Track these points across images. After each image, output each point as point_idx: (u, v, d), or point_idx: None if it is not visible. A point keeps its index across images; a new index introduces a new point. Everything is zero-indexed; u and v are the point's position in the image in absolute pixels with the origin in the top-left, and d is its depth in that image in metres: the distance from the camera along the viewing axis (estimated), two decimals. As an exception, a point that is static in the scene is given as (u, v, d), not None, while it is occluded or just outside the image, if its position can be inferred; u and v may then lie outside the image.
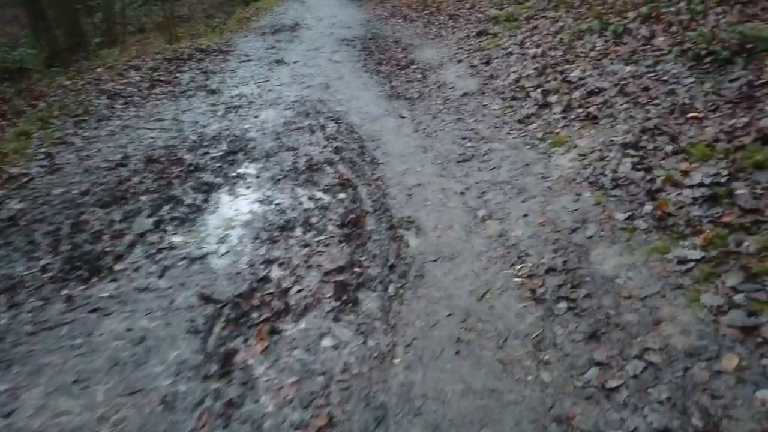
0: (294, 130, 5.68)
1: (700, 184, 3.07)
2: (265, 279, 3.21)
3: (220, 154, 5.22)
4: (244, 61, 8.83)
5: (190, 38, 17.59)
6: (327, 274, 3.19)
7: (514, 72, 6.08)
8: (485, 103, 5.63)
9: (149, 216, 4.15)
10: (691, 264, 2.54)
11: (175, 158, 5.18)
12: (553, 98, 5.07)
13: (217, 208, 4.23)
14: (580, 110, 4.62)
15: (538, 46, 6.49)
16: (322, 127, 5.69)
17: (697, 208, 2.90)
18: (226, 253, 3.57)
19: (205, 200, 4.34)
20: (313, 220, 3.90)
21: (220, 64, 8.66)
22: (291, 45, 10.16)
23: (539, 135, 4.55)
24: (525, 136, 4.64)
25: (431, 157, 4.69)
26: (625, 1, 7.27)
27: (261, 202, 4.27)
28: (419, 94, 6.38)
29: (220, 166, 4.95)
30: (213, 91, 7.10)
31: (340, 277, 3.13)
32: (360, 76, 7.49)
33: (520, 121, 4.94)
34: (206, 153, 5.27)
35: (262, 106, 6.49)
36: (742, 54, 4.34)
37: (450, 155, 4.64)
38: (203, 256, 3.55)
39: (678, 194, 3.07)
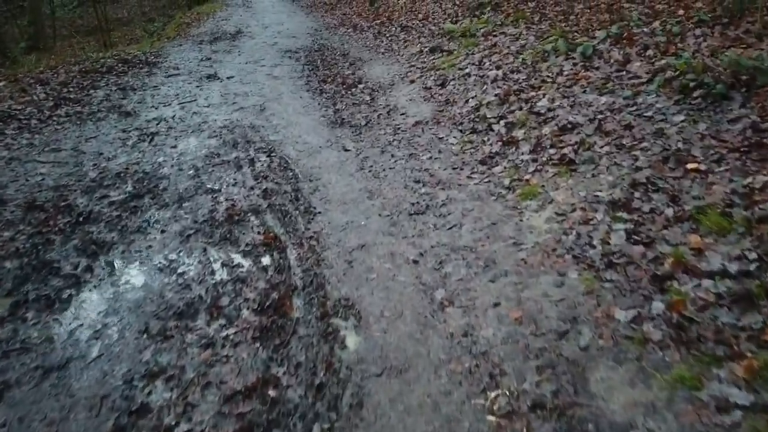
0: (217, 166, 4.72)
1: (723, 273, 2.31)
2: (142, 409, 2.27)
3: (121, 198, 4.22)
4: (171, 76, 7.76)
5: (127, 43, 16.29)
6: (229, 399, 2.28)
7: (472, 97, 5.30)
8: (441, 136, 4.81)
9: (8, 294, 3.13)
10: (738, 414, 1.76)
11: (63, 204, 4.14)
12: (519, 133, 4.29)
13: (102, 280, 3.24)
14: (552, 151, 3.86)
15: (498, 68, 5.73)
16: (251, 162, 4.75)
17: (725, 313, 2.14)
18: (97, 357, 2.60)
19: (89, 268, 3.35)
20: (224, 300, 2.97)
21: (143, 79, 7.56)
22: (228, 56, 9.14)
23: (506, 182, 3.75)
24: (489, 182, 3.84)
25: (378, 205, 3.83)
26: (589, 19, 6.63)
27: (161, 270, 3.31)
28: (366, 121, 5.51)
29: (118, 216, 3.95)
30: (127, 114, 6.03)
31: (247, 408, 2.22)
32: (301, 96, 6.57)
33: (482, 162, 4.14)
34: (105, 197, 4.25)
35: (183, 132, 5.49)
36: (739, 88, 3.66)
37: (401, 204, 3.79)
38: (64, 365, 2.57)
39: (695, 286, 2.30)
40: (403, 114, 5.55)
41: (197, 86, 7.09)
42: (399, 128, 5.20)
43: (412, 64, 7.29)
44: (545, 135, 4.08)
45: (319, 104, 6.21)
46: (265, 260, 3.34)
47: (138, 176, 4.58)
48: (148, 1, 24.43)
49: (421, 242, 3.30)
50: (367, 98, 6.25)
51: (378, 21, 11.79)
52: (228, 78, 7.50)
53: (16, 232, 3.78)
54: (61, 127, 5.68)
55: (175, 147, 5.14)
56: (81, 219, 3.93)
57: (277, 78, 7.48)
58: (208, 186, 4.36)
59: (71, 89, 6.94)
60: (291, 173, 4.51)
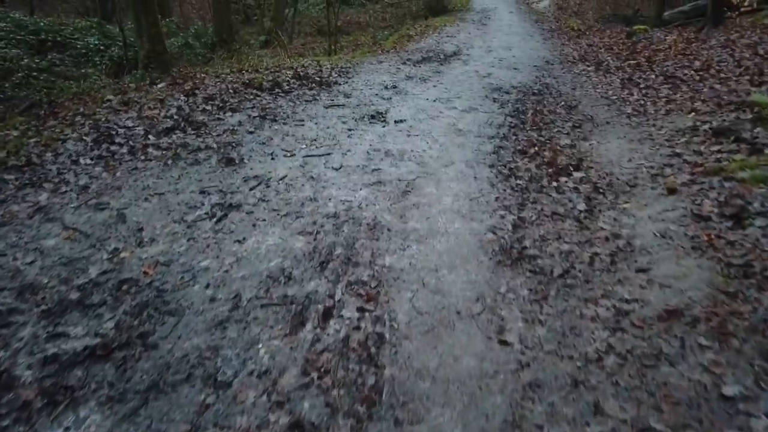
0: (270, 307, 2.59)
1: None
2: None
3: (76, 348, 2.33)
4: (332, 107, 5.91)
5: (352, 48, 15.47)
6: None
7: (819, 287, 2.30)
8: (731, 392, 1.97)
9: None
10: None
11: (-10, 337, 2.39)
12: None
13: None
14: None
15: None
16: (326, 316, 2.52)
17: None
18: None
19: None
20: None
21: (296, 107, 5.83)
22: (419, 87, 7.04)
23: None
24: None
25: None
26: None
27: None
28: (565, 269, 2.86)
29: (20, 412, 2.03)
30: (229, 161, 4.24)
31: None
32: (477, 175, 4.12)
33: None
34: (61, 336, 2.40)
35: (273, 215, 3.47)
36: None
37: None
38: None
39: None
40: (642, 271, 2.77)
41: (349, 130, 5.08)
42: (627, 312, 2.46)
43: (676, 150, 4.31)
44: None
45: (496, 200, 3.69)
46: None
47: (145, 295, 2.66)
48: (392, 8, 23.88)
49: None
50: (581, 208, 3.54)
51: (632, 62, 8.64)
52: (396, 122, 5.37)
53: None
54: (142, 168, 4.11)
55: (240, 242, 3.13)
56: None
57: (459, 133, 5.12)
58: (221, 362, 2.24)
59: (208, 108, 5.48)
60: (374, 377, 2.16)
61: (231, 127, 4.99)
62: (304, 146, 4.59)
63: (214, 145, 4.54)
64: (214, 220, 3.36)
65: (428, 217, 3.45)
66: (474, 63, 9.32)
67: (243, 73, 7.11)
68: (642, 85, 6.91)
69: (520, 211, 3.52)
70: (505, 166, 4.29)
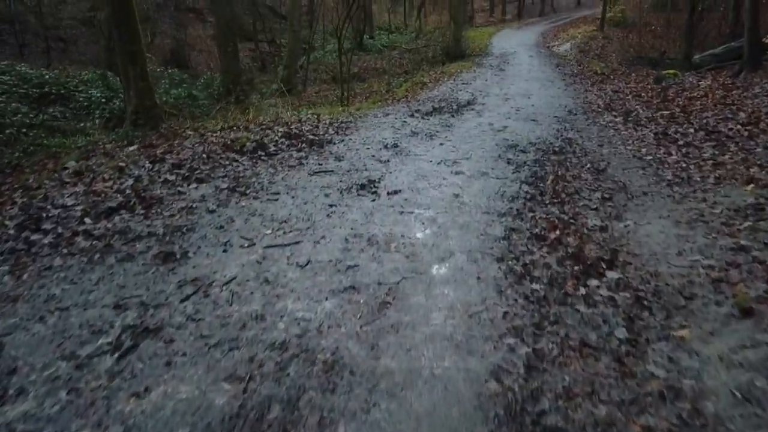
0: None
1: None
2: None
3: None
4: (319, 173, 5.06)
5: (366, 96, 14.90)
6: None
7: None
8: None
9: None
10: None
11: None
12: None
13: None
14: None
15: None
16: None
17: None
18: None
19: None
20: None
21: (278, 174, 5.00)
22: (424, 146, 6.18)
23: None
24: None
25: None
26: None
27: None
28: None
29: None
30: (168, 257, 3.36)
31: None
32: (481, 274, 3.15)
33: None
34: None
35: (202, 343, 2.56)
36: None
37: None
38: None
39: None
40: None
41: (330, 206, 4.20)
42: None
43: (741, 240, 3.29)
44: None
45: (504, 316, 2.71)
46: None
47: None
48: (409, 54, 23.45)
49: None
50: (621, 336, 2.53)
51: (665, 112, 7.68)
52: (389, 194, 4.48)
53: None
54: (58, 267, 3.27)
55: (140, 396, 2.22)
56: None
57: (463, 208, 4.19)
58: None
59: (172, 178, 4.68)
60: None
61: (190, 204, 4.16)
62: (270, 231, 3.71)
63: (161, 231, 3.70)
64: (117, 355, 2.46)
65: (409, 348, 2.50)
66: (488, 114, 8.46)
67: (230, 131, 6.36)
68: (680, 142, 5.93)
69: (537, 339, 2.54)
70: (518, 260, 3.32)
